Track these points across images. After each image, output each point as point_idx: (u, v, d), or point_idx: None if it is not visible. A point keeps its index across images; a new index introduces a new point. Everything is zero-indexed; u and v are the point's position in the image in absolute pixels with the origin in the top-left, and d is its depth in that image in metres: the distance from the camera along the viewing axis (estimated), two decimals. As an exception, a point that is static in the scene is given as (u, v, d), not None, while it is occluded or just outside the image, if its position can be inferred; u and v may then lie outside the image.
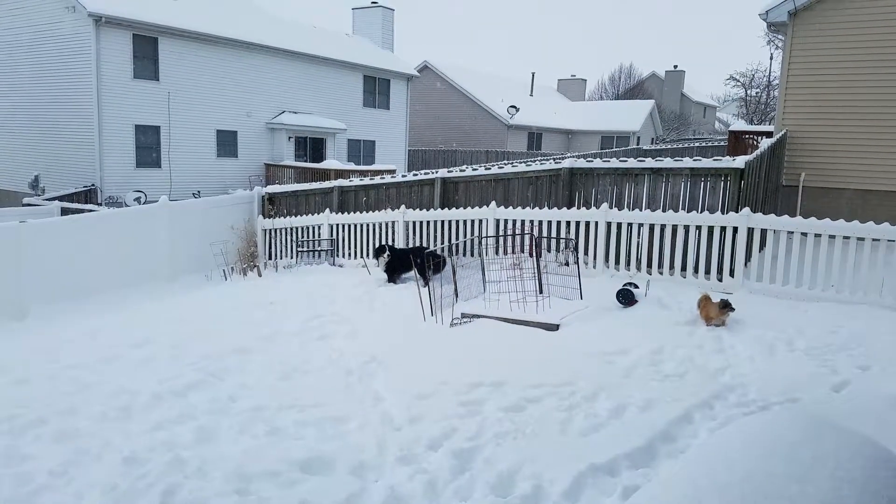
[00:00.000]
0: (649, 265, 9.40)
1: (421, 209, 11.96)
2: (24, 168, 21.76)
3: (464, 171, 12.53)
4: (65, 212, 16.50)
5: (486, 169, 12.26)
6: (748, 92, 44.92)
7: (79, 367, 6.68)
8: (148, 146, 21.24)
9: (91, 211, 15.54)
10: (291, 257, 13.36)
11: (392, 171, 21.65)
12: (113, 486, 4.11)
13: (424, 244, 11.35)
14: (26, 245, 10.54)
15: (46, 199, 18.73)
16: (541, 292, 8.14)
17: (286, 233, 13.63)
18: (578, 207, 10.42)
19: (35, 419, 5.22)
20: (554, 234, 10.15)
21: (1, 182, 22.98)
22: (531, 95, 43.95)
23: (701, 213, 9.07)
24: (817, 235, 8.27)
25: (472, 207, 11.20)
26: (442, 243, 11.07)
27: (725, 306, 7.05)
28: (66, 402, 5.61)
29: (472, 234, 10.89)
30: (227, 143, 23.68)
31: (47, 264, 10.73)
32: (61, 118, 20.83)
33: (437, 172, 12.57)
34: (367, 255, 11.99)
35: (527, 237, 10.26)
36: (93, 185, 19.89)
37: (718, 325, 7.04)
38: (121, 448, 4.64)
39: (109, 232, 11.95)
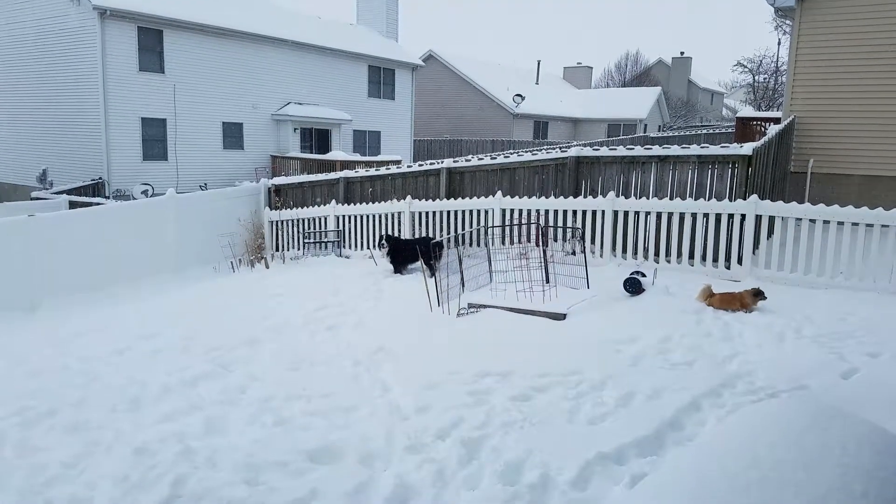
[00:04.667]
0: (656, 253, 9.37)
1: (427, 199, 11.95)
2: (32, 162, 21.86)
3: (469, 160, 12.50)
4: (73, 205, 16.55)
5: (491, 158, 12.22)
6: (756, 78, 44.53)
7: (89, 359, 6.74)
8: (154, 139, 21.28)
9: (99, 204, 15.60)
10: (298, 249, 13.39)
11: (398, 162, 21.62)
12: (124, 477, 4.15)
13: (430, 234, 11.34)
14: (36, 238, 10.61)
15: (54, 193, 18.81)
16: (547, 282, 8.13)
17: (293, 224, 13.65)
18: (585, 196, 10.38)
19: (47, 411, 5.28)
20: (560, 223, 10.12)
21: (9, 176, 23.10)
22: (537, 84, 43.74)
23: (708, 200, 9.03)
24: (825, 222, 8.21)
25: (478, 197, 11.18)
26: (448, 233, 11.06)
27: (757, 294, 7.16)
28: (77, 393, 5.67)
29: (478, 223, 10.87)
30: (233, 135, 23.69)
31: (56, 257, 10.79)
32: (68, 112, 20.88)
33: (442, 162, 12.55)
34: (374, 245, 12.01)
35: (533, 227, 10.24)
36: (100, 178, 19.97)
37: (749, 312, 7.07)
38: (131, 439, 4.68)
39: (117, 225, 12.01)
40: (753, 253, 8.77)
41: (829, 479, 1.78)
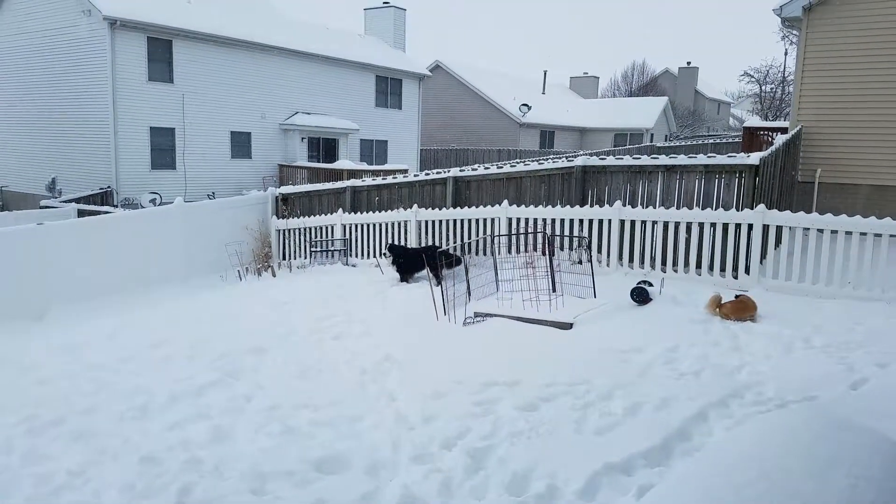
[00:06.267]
0: (663, 263, 9.34)
1: (433, 208, 11.96)
2: (42, 170, 22.03)
3: (476, 169, 12.51)
4: (81, 214, 16.66)
5: (497, 167, 12.24)
6: (763, 88, 44.44)
7: (97, 367, 6.76)
8: (163, 148, 21.41)
9: (107, 213, 15.69)
10: (305, 257, 13.42)
11: (404, 171, 21.66)
12: (131, 486, 4.15)
13: (437, 243, 11.35)
14: (44, 247, 10.67)
15: (63, 202, 18.93)
16: (554, 291, 8.12)
17: (300, 233, 13.69)
18: (591, 205, 10.38)
19: (54, 419, 5.29)
20: (567, 232, 10.12)
21: (19, 184, 23.27)
22: (543, 93, 43.81)
23: (715, 210, 9.01)
24: (833, 232, 8.18)
25: (485, 206, 11.18)
26: (454, 242, 11.07)
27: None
28: (84, 401, 5.68)
29: (485, 232, 10.88)
30: (241, 144, 23.81)
31: (65, 265, 10.84)
32: (77, 121, 21.05)
33: (449, 171, 12.57)
34: (380, 254, 12.02)
35: (539, 236, 10.24)
36: (109, 187, 20.09)
37: (744, 322, 7.04)
38: (138, 447, 4.69)
39: (125, 233, 12.07)
40: (761, 263, 8.74)
41: (837, 490, 1.77)
